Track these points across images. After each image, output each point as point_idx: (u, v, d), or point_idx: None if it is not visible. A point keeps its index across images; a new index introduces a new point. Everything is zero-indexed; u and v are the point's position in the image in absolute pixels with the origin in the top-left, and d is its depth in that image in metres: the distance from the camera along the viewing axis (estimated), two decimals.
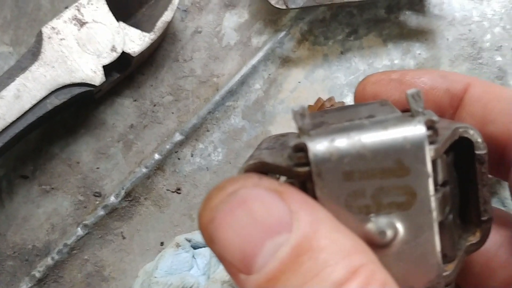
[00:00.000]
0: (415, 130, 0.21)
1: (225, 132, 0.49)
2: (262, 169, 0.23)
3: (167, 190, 0.48)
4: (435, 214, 0.22)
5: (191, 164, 0.48)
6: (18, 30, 0.51)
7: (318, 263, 0.19)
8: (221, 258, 0.21)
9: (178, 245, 0.42)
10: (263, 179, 0.21)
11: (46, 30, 0.46)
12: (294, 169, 0.22)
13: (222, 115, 0.49)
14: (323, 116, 0.24)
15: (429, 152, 0.21)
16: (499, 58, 0.50)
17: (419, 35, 0.50)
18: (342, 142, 0.21)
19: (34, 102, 0.45)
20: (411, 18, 0.51)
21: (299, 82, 0.50)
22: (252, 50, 0.51)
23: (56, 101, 0.46)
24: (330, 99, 0.46)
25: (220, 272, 0.40)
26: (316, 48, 0.51)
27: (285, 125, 0.49)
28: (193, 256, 0.43)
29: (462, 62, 0.50)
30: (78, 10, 0.47)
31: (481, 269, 0.30)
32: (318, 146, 0.21)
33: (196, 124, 0.49)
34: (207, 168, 0.48)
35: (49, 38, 0.46)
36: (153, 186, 0.48)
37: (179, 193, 0.48)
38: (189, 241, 0.43)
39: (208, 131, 0.49)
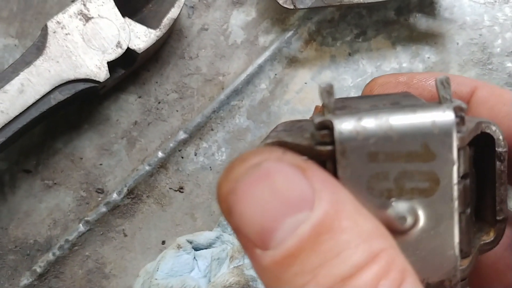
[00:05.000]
0: (444, 115, 0.21)
1: (230, 131, 0.49)
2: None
3: (170, 188, 0.48)
4: (456, 204, 0.21)
5: (195, 163, 0.48)
6: (23, 22, 0.51)
7: (339, 244, 0.18)
8: (237, 230, 0.20)
9: (179, 247, 0.42)
10: (287, 153, 0.20)
11: (51, 25, 0.46)
12: (316, 148, 0.21)
13: (227, 115, 0.49)
14: (344, 102, 0.24)
15: (456, 140, 0.21)
16: (509, 64, 0.49)
17: (429, 38, 0.50)
18: (370, 122, 0.20)
19: (38, 97, 0.45)
20: (421, 21, 0.50)
21: (306, 83, 0.49)
22: (259, 49, 0.50)
23: (60, 96, 0.46)
24: None
25: (222, 276, 0.40)
26: (323, 48, 0.50)
27: None
28: (194, 258, 0.43)
29: (472, 67, 0.49)
30: (84, 4, 0.46)
31: (488, 270, 0.30)
32: (345, 125, 0.20)
33: (201, 122, 0.48)
34: (210, 167, 0.48)
35: (54, 32, 0.46)
36: (155, 184, 0.48)
37: (182, 192, 0.48)
38: (190, 242, 0.43)
39: (212, 130, 0.49)
